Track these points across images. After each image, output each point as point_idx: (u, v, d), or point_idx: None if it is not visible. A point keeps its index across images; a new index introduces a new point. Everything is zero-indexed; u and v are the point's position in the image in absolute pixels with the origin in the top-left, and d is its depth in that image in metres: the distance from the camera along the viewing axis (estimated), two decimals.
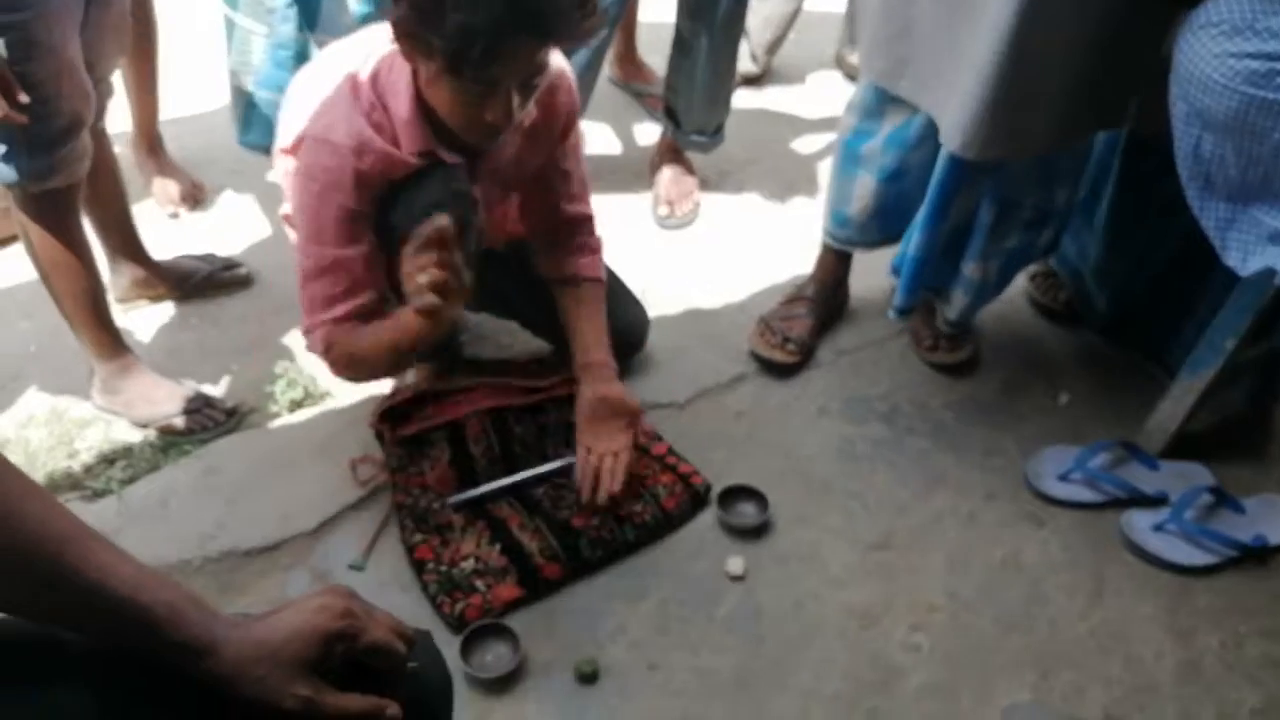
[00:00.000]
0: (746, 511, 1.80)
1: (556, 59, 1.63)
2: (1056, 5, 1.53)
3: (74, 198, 1.73)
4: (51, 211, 1.70)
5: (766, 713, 1.54)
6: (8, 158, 1.59)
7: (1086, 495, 1.87)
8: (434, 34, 1.34)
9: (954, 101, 1.66)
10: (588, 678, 1.55)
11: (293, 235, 1.66)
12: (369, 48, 1.55)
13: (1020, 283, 2.29)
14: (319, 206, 1.51)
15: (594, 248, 1.85)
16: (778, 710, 1.54)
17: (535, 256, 1.87)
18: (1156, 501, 1.85)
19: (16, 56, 1.47)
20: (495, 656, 1.57)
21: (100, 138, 1.87)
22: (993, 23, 1.55)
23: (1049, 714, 1.56)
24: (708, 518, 1.80)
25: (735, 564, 1.72)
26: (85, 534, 0.83)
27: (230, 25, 2.02)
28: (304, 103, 1.57)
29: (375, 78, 1.51)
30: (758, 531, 1.78)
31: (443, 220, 1.36)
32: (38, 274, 1.77)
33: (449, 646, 1.53)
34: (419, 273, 1.39)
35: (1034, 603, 1.72)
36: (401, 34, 1.39)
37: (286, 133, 1.60)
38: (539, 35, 1.37)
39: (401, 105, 1.49)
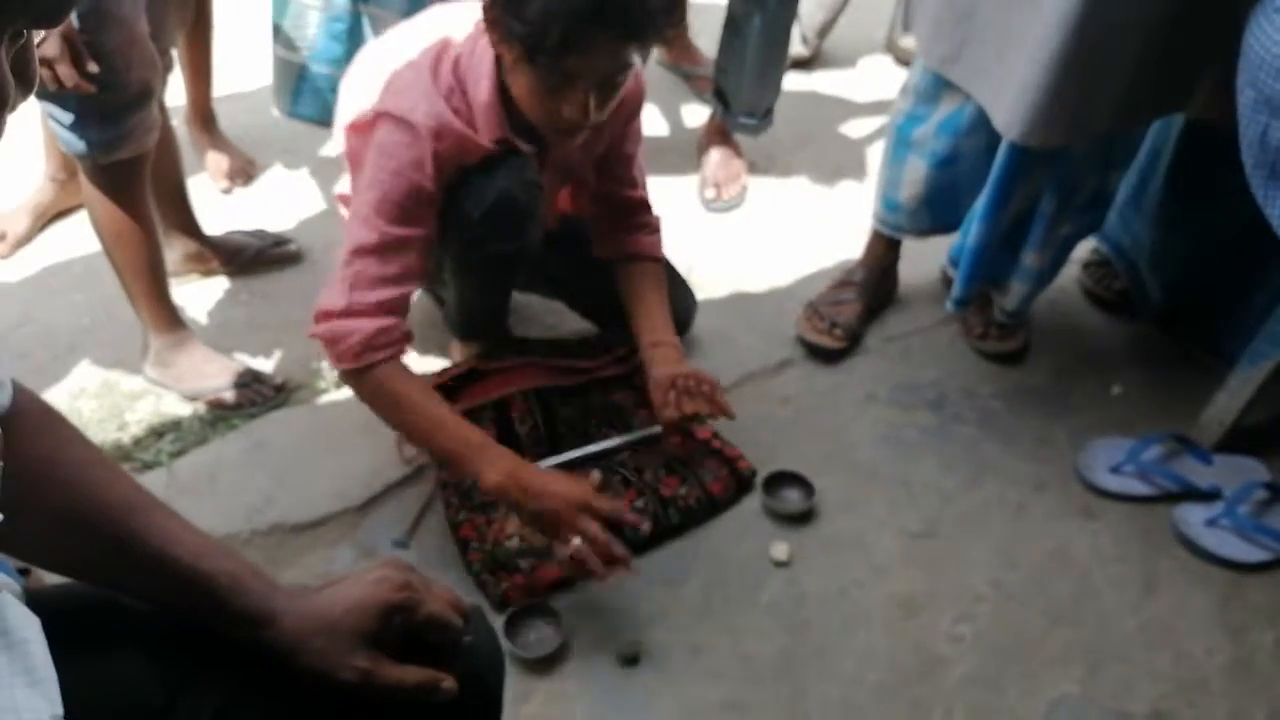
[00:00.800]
0: (791, 497, 1.79)
1: None
2: None
3: (142, 169, 1.73)
4: (119, 183, 1.71)
5: (808, 700, 1.53)
6: (76, 128, 1.60)
7: (1138, 488, 1.84)
8: (516, 17, 1.33)
9: (1011, 89, 1.63)
10: (630, 660, 1.55)
11: (345, 212, 1.66)
12: (441, 29, 1.55)
13: (1073, 272, 2.26)
14: (391, 184, 1.49)
15: (654, 227, 1.85)
16: (819, 697, 1.53)
17: (594, 238, 1.87)
18: (1210, 496, 1.82)
19: (88, 26, 1.47)
20: (539, 636, 1.57)
21: (160, 111, 1.88)
22: (1056, 7, 1.52)
23: (1096, 710, 1.54)
24: (752, 502, 1.79)
25: (780, 550, 1.71)
26: (150, 502, 0.84)
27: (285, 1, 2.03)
28: (370, 81, 1.57)
29: (457, 61, 1.51)
30: (803, 517, 1.77)
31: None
32: (101, 245, 1.78)
33: (497, 624, 1.54)
34: (580, 524, 1.46)
35: (1083, 596, 1.70)
36: (489, 16, 1.40)
37: (351, 109, 1.60)
38: (621, 32, 1.35)
39: (482, 91, 1.49)
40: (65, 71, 1.46)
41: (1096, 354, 2.13)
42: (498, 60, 1.47)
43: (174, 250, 2.09)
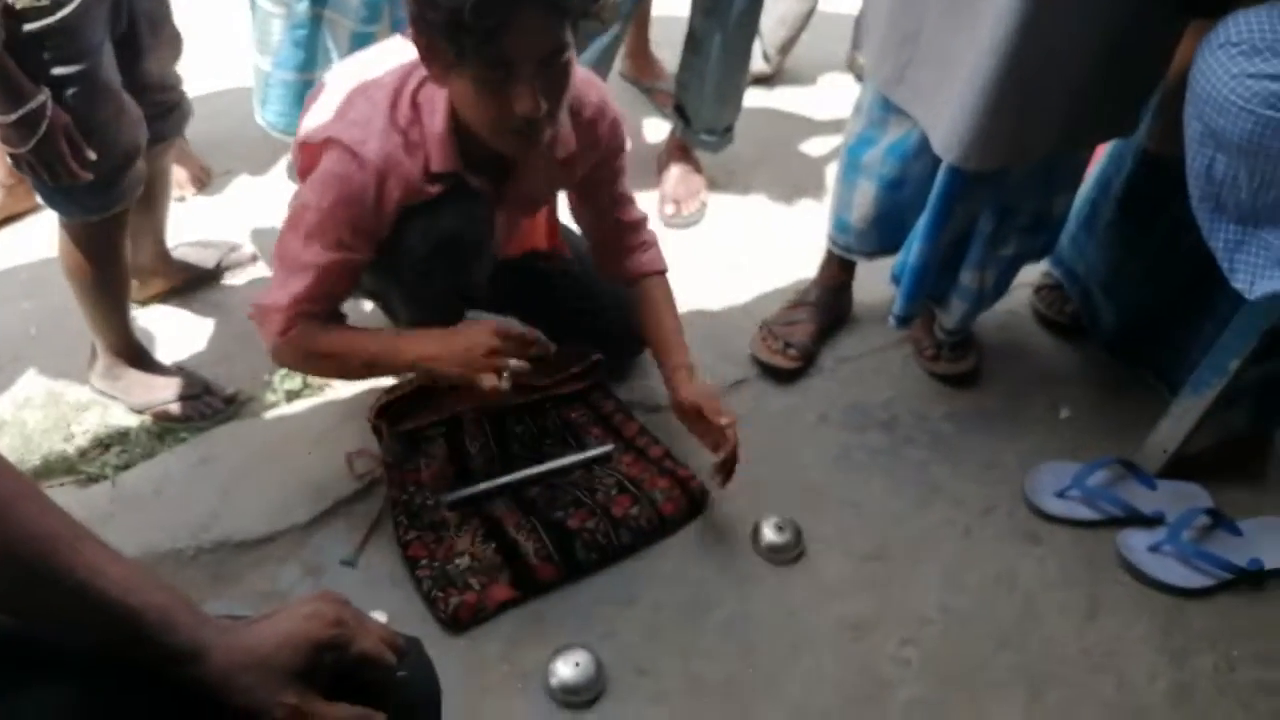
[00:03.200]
0: (776, 539, 1.77)
1: (597, 94, 1.63)
2: (1057, 20, 1.51)
3: (125, 221, 1.73)
4: (99, 237, 1.71)
5: None
6: (67, 197, 1.60)
7: (1083, 513, 1.86)
8: (430, 8, 1.30)
9: (950, 112, 1.65)
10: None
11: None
12: (406, 56, 1.54)
13: (1025, 295, 2.28)
14: (331, 212, 1.49)
15: (651, 242, 1.85)
16: None
17: (596, 265, 1.87)
18: (1153, 521, 1.84)
19: (81, 105, 1.47)
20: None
21: (164, 154, 1.90)
22: (991, 33, 1.54)
23: None
24: (702, 523, 1.80)
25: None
26: (77, 534, 0.82)
27: (253, 7, 2.04)
28: (331, 99, 1.55)
29: (417, 91, 1.49)
30: (795, 557, 1.77)
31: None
32: (68, 281, 1.77)
33: (446, 643, 1.53)
34: (495, 355, 1.52)
35: (1027, 620, 1.71)
36: (416, 40, 1.38)
37: (311, 126, 1.58)
38: (546, 5, 1.32)
39: (437, 121, 1.48)
40: (69, 166, 1.48)
41: (1046, 377, 2.16)
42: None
43: (141, 281, 2.06)
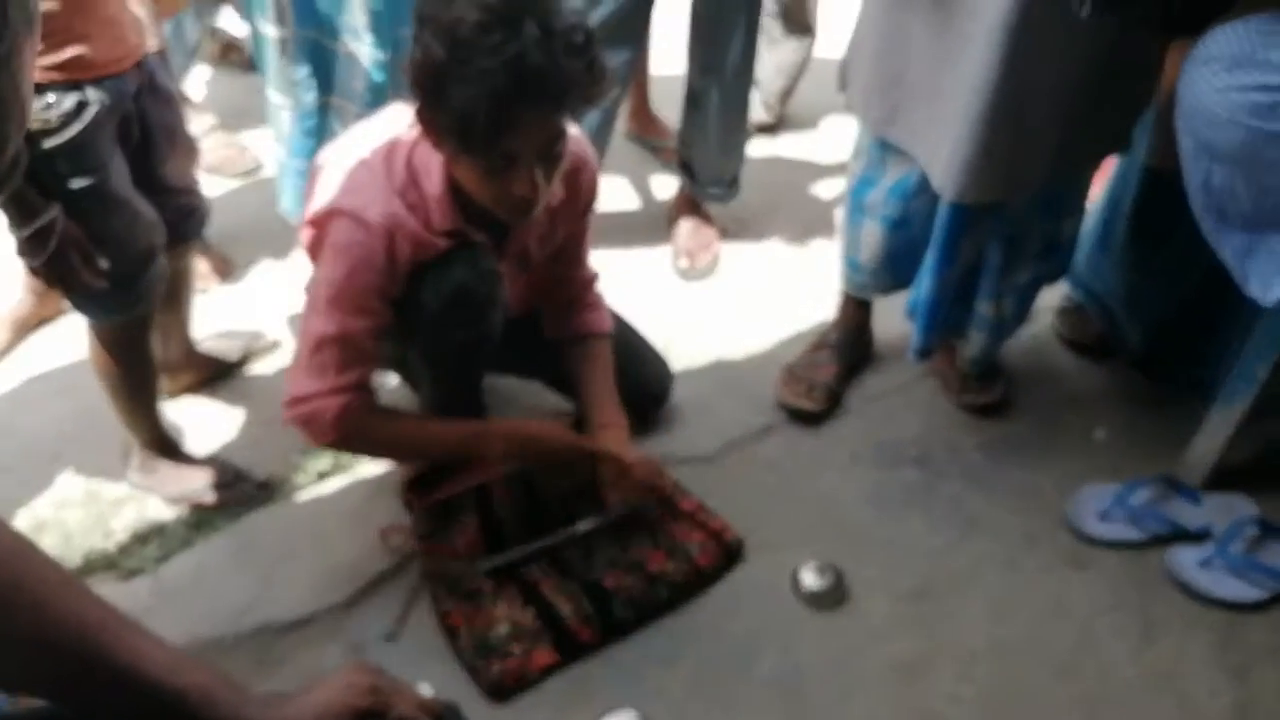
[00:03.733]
0: (817, 582, 1.75)
1: (577, 146, 1.66)
2: (1040, 47, 1.54)
3: (149, 321, 1.78)
4: (125, 338, 1.75)
5: None
6: (88, 302, 1.65)
7: (1129, 533, 1.83)
8: (441, 111, 1.36)
9: (945, 149, 1.67)
10: None
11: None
12: (394, 126, 1.58)
13: (1047, 319, 2.27)
14: (346, 281, 1.52)
15: (596, 303, 1.89)
16: None
17: (544, 320, 1.90)
18: (1201, 536, 1.81)
19: (93, 216, 1.52)
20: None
21: (186, 254, 1.94)
22: (975, 72, 1.56)
23: None
24: (740, 573, 1.78)
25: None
26: (118, 621, 0.84)
27: (267, 103, 2.11)
28: (330, 177, 1.59)
29: (410, 155, 1.53)
30: (836, 600, 1.75)
31: None
32: (100, 380, 1.81)
33: (490, 712, 1.52)
34: None
35: (1082, 647, 1.68)
36: (420, 118, 1.42)
37: (313, 206, 1.62)
38: (546, 103, 1.37)
39: (434, 183, 1.52)
40: (81, 278, 1.51)
41: (1077, 400, 2.14)
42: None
43: (170, 378, 2.10)
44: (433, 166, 1.52)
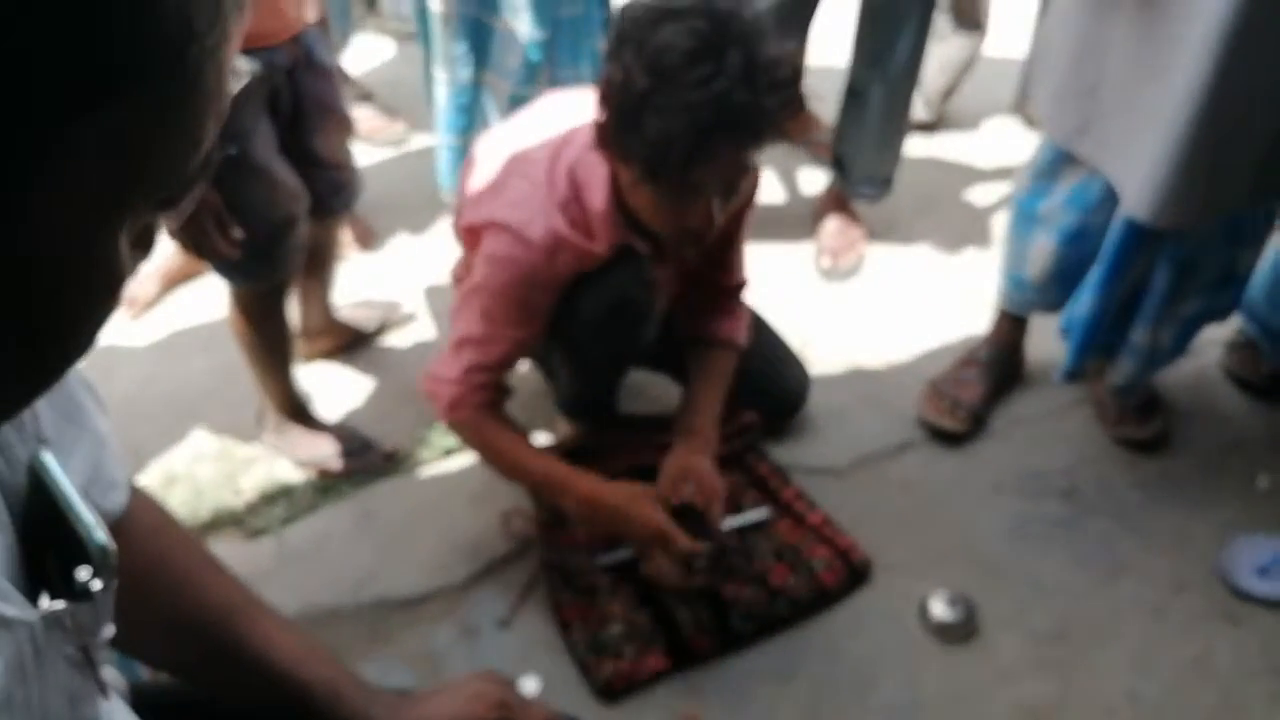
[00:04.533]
0: (948, 614, 1.66)
1: None
2: (1259, 60, 1.40)
3: (284, 290, 1.80)
4: (262, 303, 1.78)
5: None
6: (231, 265, 1.66)
7: None
8: (635, 138, 1.30)
9: (1141, 166, 1.55)
10: None
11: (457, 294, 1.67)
12: (555, 123, 1.55)
13: (1216, 354, 2.12)
14: (503, 293, 1.51)
15: (738, 313, 1.79)
16: None
17: (680, 314, 1.82)
18: None
19: (232, 185, 1.52)
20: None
21: (334, 226, 1.97)
22: (1186, 82, 1.44)
23: None
24: (865, 595, 1.71)
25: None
26: (254, 605, 0.84)
27: (429, 77, 2.13)
28: (486, 171, 1.57)
29: (573, 169, 1.49)
30: (966, 635, 1.66)
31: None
32: (237, 342, 1.84)
33: (599, 711, 1.50)
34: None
35: (1226, 710, 1.57)
36: (601, 136, 1.38)
37: (471, 205, 1.60)
38: (745, 138, 1.32)
39: (597, 199, 1.47)
40: (216, 246, 1.52)
41: (1242, 442, 1.99)
42: (613, 171, 1.45)
43: (308, 341, 2.13)
44: (596, 181, 1.47)
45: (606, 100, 1.33)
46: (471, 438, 1.66)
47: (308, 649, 0.84)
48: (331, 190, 1.82)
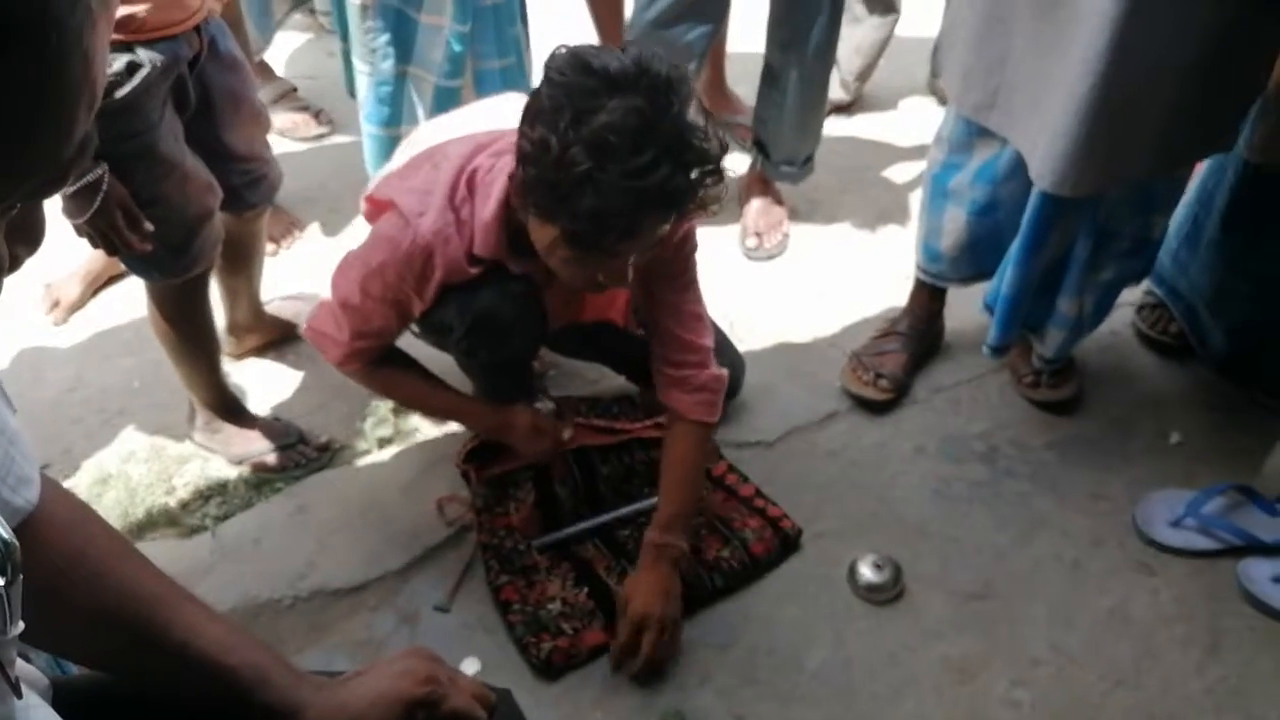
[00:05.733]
0: (874, 577, 1.71)
1: None
2: (1153, 33, 1.46)
3: (204, 283, 1.78)
4: (180, 299, 1.76)
5: None
6: (142, 263, 1.65)
7: (1200, 542, 1.78)
8: (562, 209, 1.30)
9: (1045, 136, 1.60)
10: None
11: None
12: (491, 128, 1.55)
13: (1126, 315, 2.20)
14: (380, 270, 1.52)
15: (697, 384, 1.65)
16: None
17: (652, 375, 1.72)
18: (1276, 550, 1.74)
19: (140, 177, 1.51)
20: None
21: (256, 220, 1.94)
22: (1085, 55, 1.49)
23: None
24: (797, 562, 1.76)
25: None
26: (176, 594, 0.84)
27: (348, 69, 2.13)
28: (410, 152, 1.57)
29: (475, 173, 1.49)
30: (894, 597, 1.71)
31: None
32: (159, 340, 1.83)
33: (538, 690, 1.52)
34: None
35: (1144, 658, 1.63)
36: (521, 191, 1.36)
37: (383, 181, 1.61)
38: (674, 213, 1.33)
39: (488, 209, 1.46)
40: (126, 240, 1.50)
41: (1153, 401, 2.07)
42: (511, 180, 1.43)
43: (237, 339, 2.12)
44: (492, 191, 1.46)
45: (533, 163, 1.30)
46: (365, 384, 1.74)
47: (234, 636, 0.83)
48: (248, 184, 1.80)
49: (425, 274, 1.51)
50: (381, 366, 1.68)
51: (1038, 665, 1.62)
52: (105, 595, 0.81)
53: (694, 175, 1.29)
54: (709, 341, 1.66)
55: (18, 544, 0.58)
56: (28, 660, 0.87)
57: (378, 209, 1.58)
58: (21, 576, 0.59)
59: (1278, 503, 1.80)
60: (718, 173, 1.33)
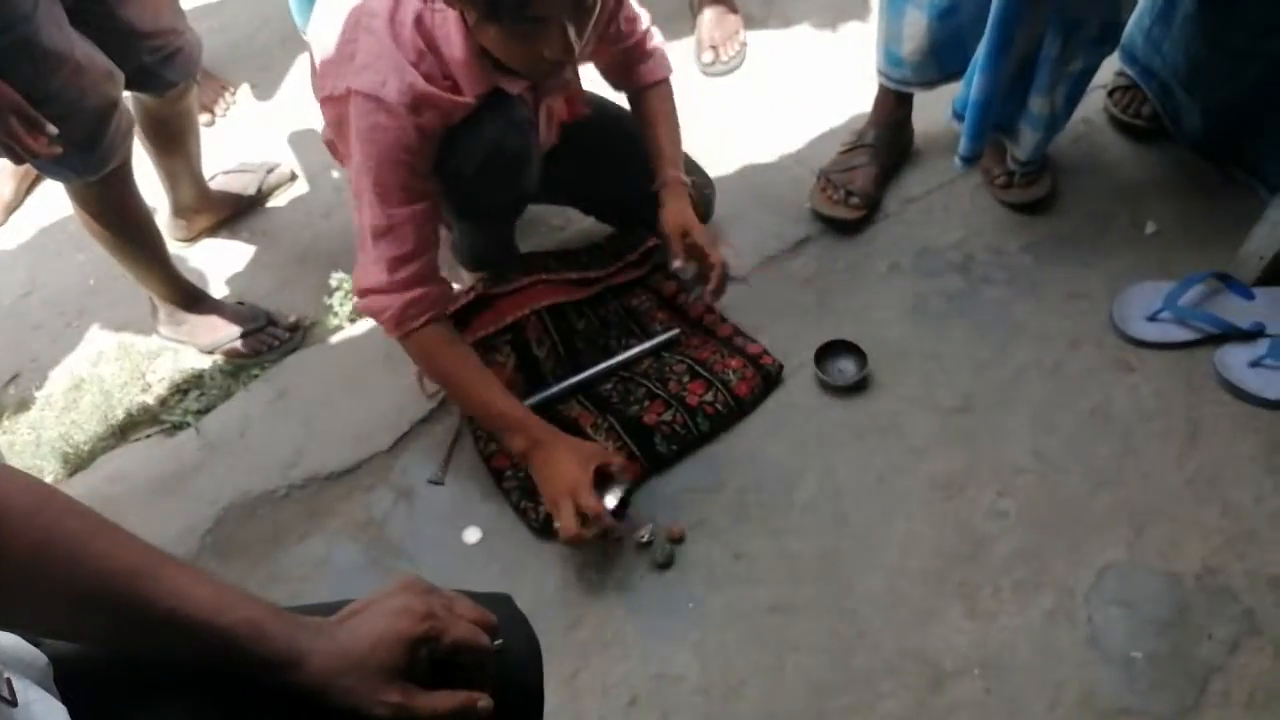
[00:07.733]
0: (844, 369, 1.77)
1: None
2: None
3: (127, 173, 1.68)
4: (103, 196, 1.67)
5: (854, 593, 1.54)
6: (55, 165, 1.55)
7: (1177, 334, 1.78)
8: None
9: None
10: (665, 565, 1.58)
11: (340, 167, 1.60)
12: None
13: (1097, 101, 2.13)
14: (381, 169, 1.44)
15: (650, 52, 1.75)
16: (866, 590, 1.54)
17: (608, 81, 1.82)
18: (1252, 335, 1.75)
19: (26, 75, 1.39)
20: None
21: (181, 98, 1.82)
22: None
23: (1144, 574, 1.53)
24: (780, 396, 1.77)
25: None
26: (155, 562, 0.82)
27: None
28: (332, 27, 1.46)
29: (419, 21, 1.40)
30: (858, 387, 1.75)
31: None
32: (95, 241, 1.75)
33: (541, 550, 1.56)
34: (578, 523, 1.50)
35: (1125, 455, 1.67)
36: (458, 6, 1.32)
37: (325, 74, 1.49)
38: None
39: (455, 48, 1.40)
40: (29, 146, 1.40)
41: (1128, 190, 2.03)
42: (462, 15, 1.37)
43: (185, 221, 2.03)
44: (451, 29, 1.39)
45: None
46: (425, 363, 1.63)
47: (223, 595, 0.82)
48: (163, 61, 1.69)
49: (423, 133, 1.43)
50: (444, 341, 1.58)
51: (1021, 474, 1.66)
52: (82, 577, 0.79)
53: None
54: (643, 25, 1.73)
55: None
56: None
57: (336, 106, 1.47)
58: None
59: (1253, 286, 1.80)
60: None
